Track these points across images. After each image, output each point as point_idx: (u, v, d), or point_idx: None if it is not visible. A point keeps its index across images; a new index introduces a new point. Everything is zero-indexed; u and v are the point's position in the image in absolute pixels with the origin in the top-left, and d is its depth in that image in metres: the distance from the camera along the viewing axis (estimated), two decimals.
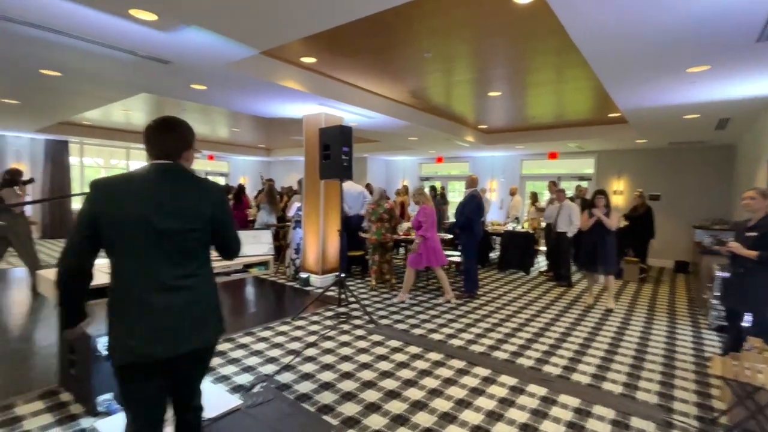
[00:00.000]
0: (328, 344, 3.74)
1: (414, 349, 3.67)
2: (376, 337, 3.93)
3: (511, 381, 3.12)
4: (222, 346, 3.63)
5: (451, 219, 8.14)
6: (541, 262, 8.30)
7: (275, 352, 3.53)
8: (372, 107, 5.93)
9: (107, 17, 2.94)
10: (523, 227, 7.90)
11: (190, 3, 2.69)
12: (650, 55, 3.28)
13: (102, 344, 2.44)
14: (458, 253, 6.64)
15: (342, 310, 4.76)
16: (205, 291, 1.57)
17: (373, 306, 4.96)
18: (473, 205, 5.33)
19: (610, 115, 6.69)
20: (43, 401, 2.64)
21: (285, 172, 14.76)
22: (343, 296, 4.95)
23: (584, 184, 8.86)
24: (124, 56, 3.76)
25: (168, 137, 1.55)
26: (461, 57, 4.33)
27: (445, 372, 3.23)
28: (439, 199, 7.54)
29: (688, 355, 3.74)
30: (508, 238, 7.42)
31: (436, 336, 4.02)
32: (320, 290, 5.51)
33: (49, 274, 2.04)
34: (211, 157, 13.80)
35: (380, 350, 3.63)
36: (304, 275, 5.98)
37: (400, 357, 3.49)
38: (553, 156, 10.11)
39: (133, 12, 2.81)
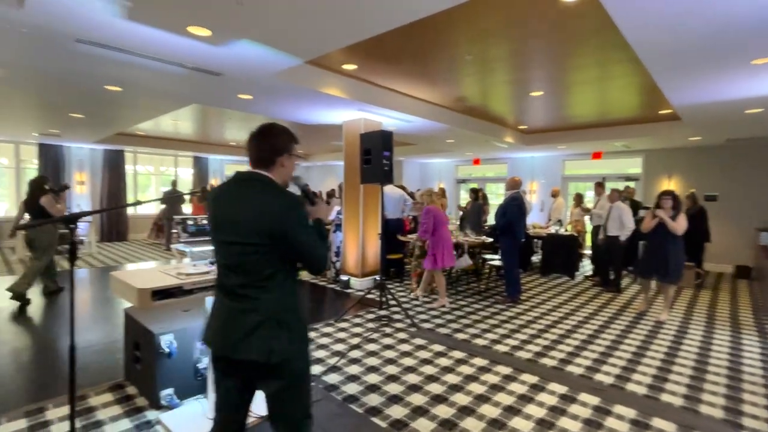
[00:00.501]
0: (372, 347, 3.78)
1: (458, 354, 3.64)
2: (419, 341, 3.93)
3: (561, 389, 3.03)
4: None
5: (491, 221, 8.02)
6: (586, 267, 7.99)
7: (321, 353, 3.61)
8: (410, 111, 5.95)
9: (167, 35, 3.14)
10: (566, 230, 7.65)
11: (241, 18, 2.83)
12: (709, 48, 3.11)
13: (166, 342, 2.60)
14: (498, 257, 6.54)
15: (383, 313, 4.80)
16: (267, 304, 1.48)
17: (414, 310, 4.97)
18: (514, 207, 5.22)
19: (661, 112, 6.37)
20: (111, 393, 2.84)
21: (322, 176, 15.06)
22: (383, 299, 4.99)
23: (632, 184, 8.47)
24: (179, 70, 4.00)
25: (260, 144, 1.56)
26: (503, 58, 4.27)
27: (491, 378, 3.19)
28: (480, 201, 7.43)
29: (756, 368, 3.48)
30: (550, 242, 7.20)
31: (479, 341, 3.97)
32: (361, 293, 5.58)
33: (121, 276, 2.20)
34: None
35: (424, 354, 3.63)
36: (344, 278, 6.08)
37: (444, 361, 3.47)
38: (597, 156, 9.72)
39: (190, 29, 2.99)
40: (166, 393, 2.65)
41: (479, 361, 3.49)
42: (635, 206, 6.90)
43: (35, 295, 5.33)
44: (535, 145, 8.95)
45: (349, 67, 4.65)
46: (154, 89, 4.79)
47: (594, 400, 2.87)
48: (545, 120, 7.51)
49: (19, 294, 4.89)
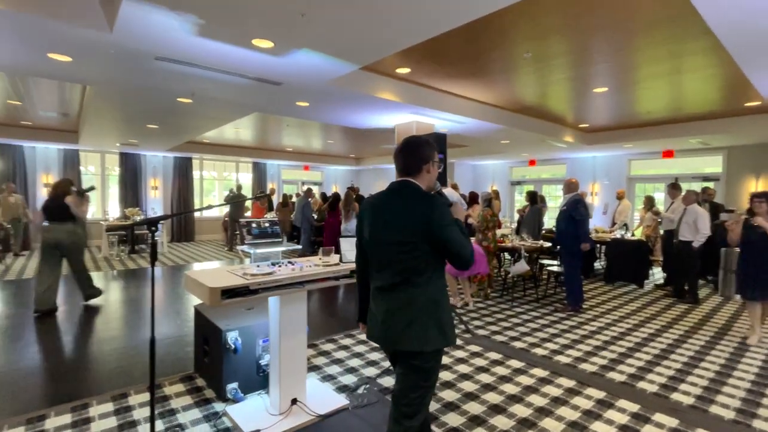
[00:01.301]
0: None
1: (516, 363, 3.50)
2: (474, 348, 3.84)
3: (632, 407, 2.81)
4: (326, 347, 3.85)
5: (548, 225, 7.66)
6: (657, 275, 7.38)
7: (375, 356, 3.64)
8: (464, 112, 5.86)
9: (233, 48, 3.34)
10: (633, 234, 7.12)
11: (302, 29, 2.94)
12: None
13: (232, 338, 2.75)
14: (557, 263, 6.23)
15: None
16: (422, 298, 1.65)
17: (468, 315, 4.86)
18: (576, 210, 4.93)
19: (748, 104, 5.74)
20: (183, 384, 3.05)
21: (373, 179, 15.24)
22: None
23: (710, 185, 7.71)
24: (242, 81, 4.24)
25: (408, 155, 1.76)
26: (564, 54, 4.08)
27: (552, 390, 3.03)
28: (539, 204, 7.14)
29: None
30: (615, 247, 6.74)
31: (539, 351, 3.79)
32: None
33: (194, 275, 2.36)
34: (306, 168, 14.81)
35: (479, 362, 3.53)
36: None
37: (501, 370, 3.36)
38: (668, 154, 8.97)
39: (255, 42, 3.16)
40: (231, 387, 2.80)
41: (539, 372, 3.33)
42: (715, 209, 6.26)
43: (113, 291, 5.88)
44: (598, 144, 8.44)
45: (403, 70, 4.67)
46: (220, 100, 5.11)
47: (672, 422, 2.63)
48: (609, 117, 7.07)
49: (90, 295, 5.13)
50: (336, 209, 8.58)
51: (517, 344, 3.96)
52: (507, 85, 5.24)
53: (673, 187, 6.19)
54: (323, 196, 11.15)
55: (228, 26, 2.93)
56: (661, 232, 6.55)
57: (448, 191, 6.25)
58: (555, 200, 11.74)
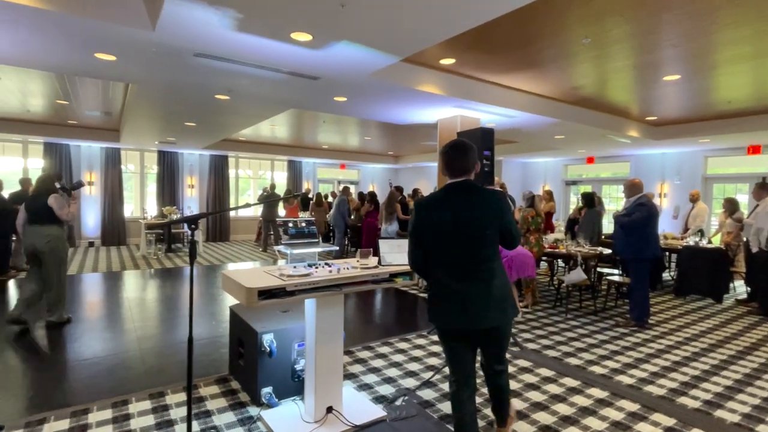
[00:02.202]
0: None
1: (570, 382, 3.37)
2: (523, 363, 3.74)
3: None
4: (362, 354, 3.89)
5: (607, 230, 7.33)
6: (739, 288, 6.86)
7: (414, 366, 3.63)
8: (514, 105, 5.74)
9: (271, 43, 3.46)
10: (710, 242, 6.66)
11: (341, 20, 2.99)
12: None
13: (267, 341, 2.84)
14: (618, 272, 5.95)
15: None
16: (496, 282, 2.04)
17: (515, 326, 4.74)
18: (642, 215, 4.68)
19: None
20: (218, 386, 3.19)
21: (412, 178, 15.23)
22: None
23: None
24: (279, 76, 4.38)
25: (463, 157, 2.10)
26: (628, 38, 3.89)
27: (613, 414, 2.89)
28: (597, 207, 6.86)
29: None
30: (688, 256, 6.33)
31: (596, 369, 3.63)
32: None
33: (232, 274, 2.47)
34: (343, 166, 15.05)
35: (529, 378, 3.44)
36: None
37: (553, 389, 3.25)
38: (755, 150, 8.32)
39: (293, 35, 3.26)
40: (266, 391, 2.90)
41: (597, 393, 3.19)
42: None
43: (150, 290, 6.24)
44: (667, 139, 7.97)
45: (447, 61, 4.64)
46: (257, 96, 5.31)
47: None
48: (681, 108, 6.66)
49: (55, 319, 4.47)
50: (377, 209, 8.65)
51: (572, 360, 3.81)
52: (562, 75, 5.08)
53: (761, 188, 5.72)
54: (359, 195, 11.29)
55: (266, 20, 3.04)
56: (745, 239, 6.08)
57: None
58: (616, 203, 11.24)
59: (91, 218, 10.99)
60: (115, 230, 11.08)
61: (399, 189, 8.75)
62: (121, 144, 10.43)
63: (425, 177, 14.58)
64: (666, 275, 7.59)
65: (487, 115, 6.08)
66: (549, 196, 8.40)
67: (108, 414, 2.75)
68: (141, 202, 11.76)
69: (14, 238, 7.15)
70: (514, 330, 4.60)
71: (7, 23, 3.16)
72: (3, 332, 4.29)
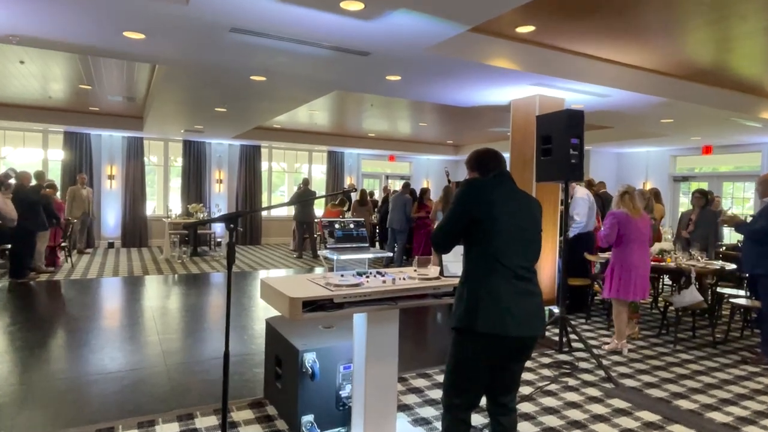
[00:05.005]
0: (549, 401, 3.61)
1: (681, 429, 3.21)
2: (619, 403, 3.60)
3: None
4: (417, 382, 3.91)
5: (730, 239, 6.88)
6: None
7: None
8: (607, 81, 5.56)
9: (317, 14, 3.57)
10: None
11: None
12: None
13: (309, 361, 2.94)
14: (746, 294, 5.58)
15: (564, 357, 4.54)
16: (538, 284, 2.21)
17: (608, 358, 4.58)
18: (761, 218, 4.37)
19: None
20: (251, 410, 3.33)
21: None
22: (564, 339, 4.73)
23: None
24: (324, 53, 4.51)
25: (501, 159, 2.34)
26: None
27: None
28: (714, 208, 6.49)
29: None
30: None
31: (717, 416, 3.43)
32: None
33: (272, 282, 2.57)
34: (392, 158, 15.17)
35: (627, 422, 3.31)
36: None
37: None
38: None
39: (343, 4, 3.35)
40: (307, 419, 2.99)
41: None
42: None
43: (174, 298, 6.60)
44: None
45: (525, 29, 4.57)
46: (298, 77, 5.50)
47: None
48: None
49: None
50: (425, 208, 8.67)
51: (684, 404, 3.63)
52: (670, 43, 4.86)
53: None
54: (411, 192, 11.35)
55: None
56: None
57: (579, 193, 6.00)
58: (740, 205, 10.56)
59: (111, 217, 11.82)
60: (136, 230, 11.85)
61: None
62: (145, 132, 11.15)
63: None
64: None
65: (573, 94, 5.94)
66: (656, 196, 7.93)
67: None
68: (164, 199, 12.48)
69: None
70: (606, 362, 4.45)
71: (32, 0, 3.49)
72: (26, 343, 4.72)
